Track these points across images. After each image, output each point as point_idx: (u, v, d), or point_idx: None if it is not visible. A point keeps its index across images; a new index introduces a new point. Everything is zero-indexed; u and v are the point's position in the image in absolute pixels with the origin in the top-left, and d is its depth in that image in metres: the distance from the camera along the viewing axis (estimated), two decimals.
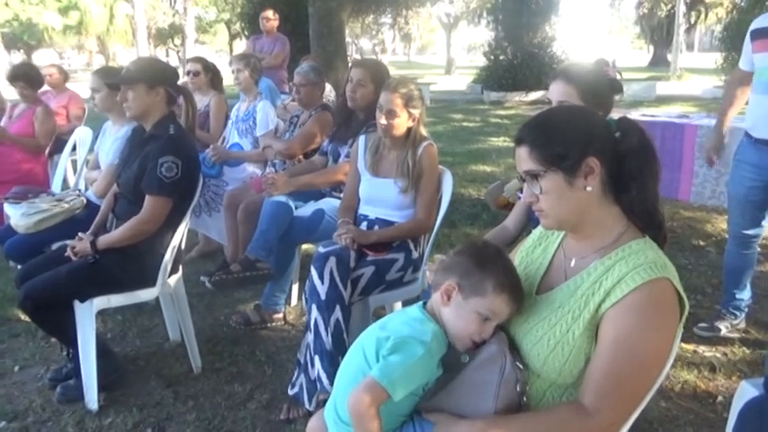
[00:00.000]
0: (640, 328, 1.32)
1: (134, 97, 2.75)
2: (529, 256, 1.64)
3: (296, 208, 3.35)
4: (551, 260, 1.58)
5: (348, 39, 36.98)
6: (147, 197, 2.69)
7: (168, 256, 2.81)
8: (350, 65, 5.73)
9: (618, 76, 2.91)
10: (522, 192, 1.50)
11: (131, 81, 2.75)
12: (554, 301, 1.47)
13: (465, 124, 11.95)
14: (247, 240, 3.36)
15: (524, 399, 1.39)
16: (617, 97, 2.32)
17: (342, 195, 3.27)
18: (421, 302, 1.57)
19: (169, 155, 2.66)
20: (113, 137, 3.51)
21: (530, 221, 2.47)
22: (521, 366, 1.42)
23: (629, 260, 1.39)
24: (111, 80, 2.95)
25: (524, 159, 1.44)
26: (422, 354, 1.39)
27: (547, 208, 1.44)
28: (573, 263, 1.51)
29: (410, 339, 1.41)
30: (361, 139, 3.09)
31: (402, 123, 2.83)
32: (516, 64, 15.53)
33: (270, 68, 6.94)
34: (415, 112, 2.84)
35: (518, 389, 1.38)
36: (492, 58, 16.50)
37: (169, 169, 2.65)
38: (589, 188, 1.41)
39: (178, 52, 43.95)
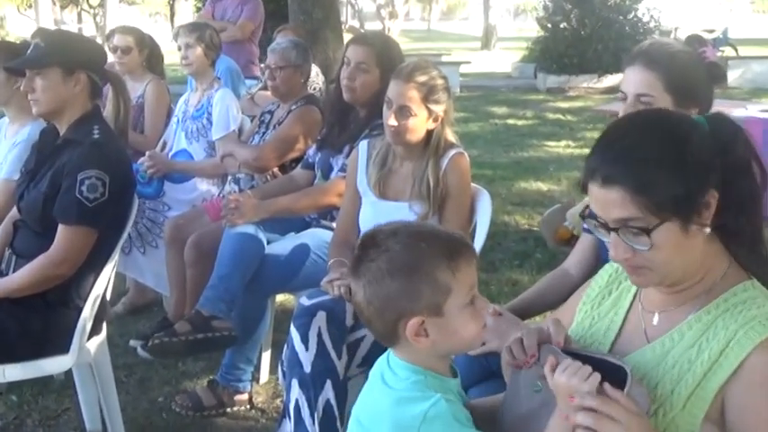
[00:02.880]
0: None
1: (45, 87, 2.86)
2: (596, 310, 1.73)
3: (269, 243, 3.44)
4: (626, 316, 1.67)
5: None
6: (60, 227, 2.78)
7: (88, 311, 2.88)
8: (346, 40, 5.84)
9: (731, 53, 2.98)
10: (586, 230, 1.58)
11: (42, 64, 2.86)
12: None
13: (511, 122, 12.08)
14: (199, 289, 3.44)
15: None
16: (731, 84, 2.40)
17: (334, 225, 3.36)
18: (385, 362, 1.65)
19: (92, 168, 2.76)
20: (11, 141, 3.60)
21: (600, 261, 2.54)
22: None
23: (735, 312, 1.47)
24: (12, 63, 3.06)
25: (619, 205, 1.47)
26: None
27: (654, 265, 1.50)
28: (656, 319, 1.59)
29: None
30: (362, 146, 3.19)
31: (419, 125, 2.93)
32: (584, 35, 15.68)
33: (233, 43, 7.05)
34: (438, 109, 2.94)
35: None
36: (549, 26, 16.67)
37: (92, 188, 2.75)
38: (707, 230, 1.48)
39: (96, 16, 44.39)
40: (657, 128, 1.55)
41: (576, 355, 1.49)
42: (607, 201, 1.48)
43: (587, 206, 1.56)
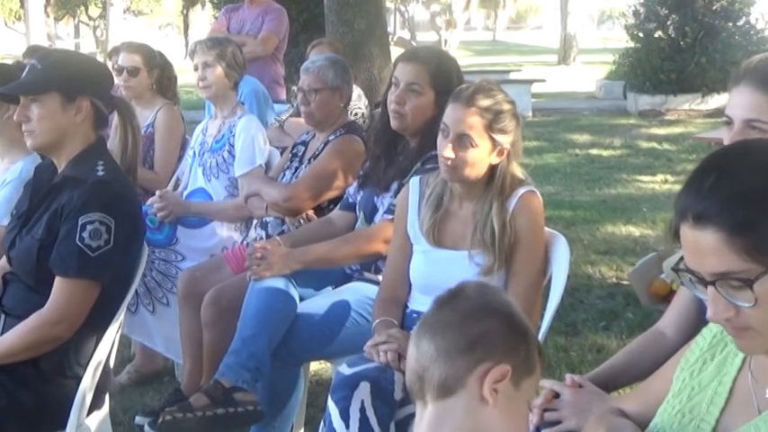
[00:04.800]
0: None
1: (42, 115, 2.93)
2: (695, 378, 1.74)
3: (302, 300, 3.48)
4: (732, 385, 1.68)
5: (389, 3, 37.20)
6: (57, 280, 2.83)
7: (88, 381, 2.91)
8: (394, 55, 5.87)
9: None
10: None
11: (39, 89, 2.94)
12: None
13: (594, 152, 12.07)
14: (218, 354, 3.48)
15: None
16: None
17: (380, 278, 3.40)
18: None
19: (95, 211, 2.83)
20: (0, 179, 3.70)
21: (702, 320, 2.53)
22: None
23: None
24: (4, 88, 3.11)
25: (713, 252, 1.48)
26: None
27: (762, 326, 1.51)
28: None
29: None
30: (414, 182, 3.23)
31: (481, 158, 2.95)
32: (684, 46, 15.60)
33: (254, 61, 7.14)
34: (504, 140, 2.96)
35: None
36: (641, 35, 16.65)
37: (95, 235, 2.81)
38: None
39: (96, 30, 45.34)
40: (760, 155, 1.55)
41: None
42: (700, 246, 1.49)
43: (683, 257, 1.57)
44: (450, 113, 2.95)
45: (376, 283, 3.44)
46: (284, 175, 4.36)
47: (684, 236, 1.52)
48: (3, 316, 3.01)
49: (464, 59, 27.97)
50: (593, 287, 6.04)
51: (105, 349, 2.98)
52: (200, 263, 4.29)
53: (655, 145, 12.42)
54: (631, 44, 17.01)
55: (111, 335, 2.99)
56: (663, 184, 9.59)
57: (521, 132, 3.05)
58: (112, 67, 5.21)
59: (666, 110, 15.64)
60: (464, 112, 2.92)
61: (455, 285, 1.73)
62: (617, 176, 10.22)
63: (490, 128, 2.92)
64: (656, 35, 16.27)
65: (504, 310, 1.68)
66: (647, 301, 4.03)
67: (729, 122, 2.39)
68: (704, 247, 1.49)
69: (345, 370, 2.79)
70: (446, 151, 2.93)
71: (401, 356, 2.79)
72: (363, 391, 2.67)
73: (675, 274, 3.13)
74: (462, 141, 2.92)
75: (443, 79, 3.44)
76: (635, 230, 7.58)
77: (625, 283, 5.84)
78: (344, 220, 3.83)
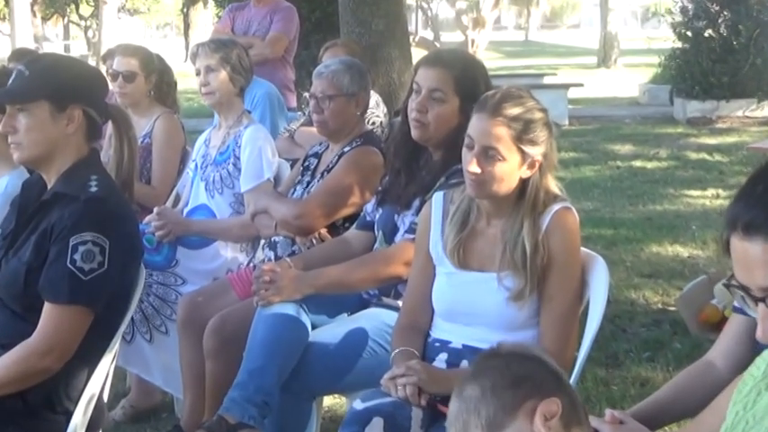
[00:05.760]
0: None
1: (29, 126, 2.96)
2: (749, 410, 1.75)
3: (314, 328, 3.48)
4: None
5: (410, 1, 37.11)
6: (47, 306, 2.85)
7: (80, 417, 2.93)
8: (415, 58, 5.85)
9: None
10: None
11: (26, 97, 2.97)
12: None
13: (638, 164, 12.06)
14: (221, 388, 3.49)
15: None
16: None
17: (400, 304, 3.41)
18: None
19: (88, 230, 2.85)
20: None
21: (755, 350, 2.53)
22: None
23: None
24: None
25: (763, 265, 1.50)
26: None
27: None
28: None
29: None
30: (437, 199, 3.23)
31: (509, 172, 2.94)
32: (738, 46, 15.56)
33: (262, 65, 7.17)
34: (535, 152, 2.95)
35: None
36: (689, 34, 16.58)
37: (88, 256, 2.83)
38: None
39: (87, 30, 45.57)
40: None
41: None
42: (749, 258, 1.51)
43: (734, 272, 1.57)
44: (475, 124, 2.94)
45: (395, 309, 3.45)
46: (295, 190, 4.37)
47: (734, 248, 1.54)
48: None
49: (493, 62, 28.01)
50: (637, 314, 6.03)
51: (98, 382, 3.00)
52: (202, 287, 4.30)
53: (705, 156, 12.39)
54: (679, 44, 16.94)
55: (105, 366, 3.01)
56: (714, 199, 9.56)
57: (555, 143, 3.04)
58: (107, 72, 5.24)
59: (718, 117, 15.60)
60: (490, 123, 2.90)
61: (494, 343, 1.86)
62: (663, 191, 10.21)
63: (519, 139, 2.89)
64: (706, 34, 16.19)
65: (546, 358, 1.80)
66: (696, 329, 4.03)
67: None
68: (753, 258, 1.50)
69: (358, 404, 2.81)
70: (471, 166, 2.91)
71: (421, 391, 2.79)
72: (376, 428, 2.69)
73: (727, 294, 3.15)
74: (488, 155, 2.90)
75: (469, 85, 3.44)
76: (683, 251, 7.56)
77: (672, 309, 5.82)
78: (361, 241, 3.84)
